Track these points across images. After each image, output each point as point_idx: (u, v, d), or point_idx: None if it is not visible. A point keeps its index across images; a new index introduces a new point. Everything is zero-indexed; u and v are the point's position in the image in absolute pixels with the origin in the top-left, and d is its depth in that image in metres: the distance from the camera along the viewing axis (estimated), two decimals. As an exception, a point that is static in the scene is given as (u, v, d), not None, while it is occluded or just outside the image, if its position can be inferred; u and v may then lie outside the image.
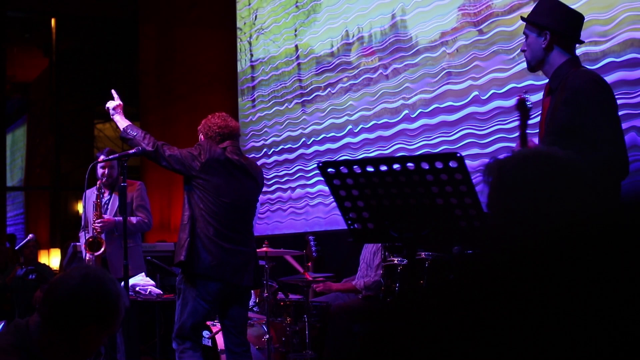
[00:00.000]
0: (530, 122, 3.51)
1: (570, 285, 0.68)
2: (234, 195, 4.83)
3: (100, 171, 6.36)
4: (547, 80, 3.63)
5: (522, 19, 3.69)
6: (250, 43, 9.28)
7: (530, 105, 3.52)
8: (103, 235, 6.11)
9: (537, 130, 3.67)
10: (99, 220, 6.13)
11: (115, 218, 6.13)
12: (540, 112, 3.68)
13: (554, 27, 3.54)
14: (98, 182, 6.36)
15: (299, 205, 8.06)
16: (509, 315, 0.69)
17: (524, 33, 3.64)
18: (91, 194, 6.46)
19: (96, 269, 2.50)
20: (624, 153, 3.33)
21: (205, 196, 4.78)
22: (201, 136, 5.09)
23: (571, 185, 1.59)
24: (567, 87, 3.36)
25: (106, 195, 6.40)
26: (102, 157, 6.08)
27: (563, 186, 1.59)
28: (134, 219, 6.21)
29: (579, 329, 0.66)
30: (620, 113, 4.55)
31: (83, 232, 6.32)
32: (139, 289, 6.06)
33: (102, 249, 6.03)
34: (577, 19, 3.62)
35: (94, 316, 2.33)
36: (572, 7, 4.90)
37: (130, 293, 5.35)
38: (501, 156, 1.73)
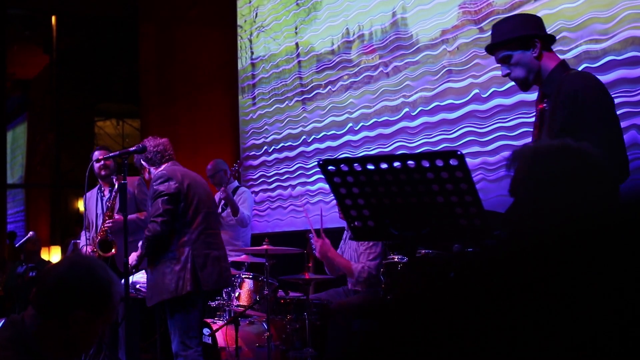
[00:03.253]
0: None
1: (597, 280, 0.67)
2: (205, 202, 5.23)
3: (97, 169, 6.39)
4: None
5: (496, 45, 3.50)
6: (250, 41, 9.28)
7: None
8: (111, 237, 6.17)
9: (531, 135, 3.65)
10: (109, 221, 6.16)
11: (133, 215, 6.16)
12: (534, 114, 3.65)
13: (538, 32, 3.48)
14: (100, 183, 6.41)
15: (299, 203, 8.06)
16: (528, 307, 0.69)
17: (503, 58, 3.47)
18: (91, 195, 6.49)
19: (87, 257, 2.48)
20: (619, 155, 3.28)
21: (194, 212, 5.15)
22: (144, 163, 5.41)
23: (599, 180, 1.60)
24: (563, 90, 3.32)
25: (107, 193, 6.42)
26: (97, 155, 6.16)
27: (591, 180, 1.59)
28: (142, 215, 6.24)
29: (604, 323, 0.66)
30: (620, 111, 4.56)
31: (85, 232, 6.35)
32: (140, 286, 6.06)
33: (112, 251, 6.09)
34: (540, 20, 3.57)
35: (82, 302, 2.30)
36: (572, 5, 4.91)
37: (130, 291, 5.36)
38: (530, 145, 1.74)
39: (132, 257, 5.40)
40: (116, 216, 6.22)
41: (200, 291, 5.05)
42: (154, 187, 5.16)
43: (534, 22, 3.54)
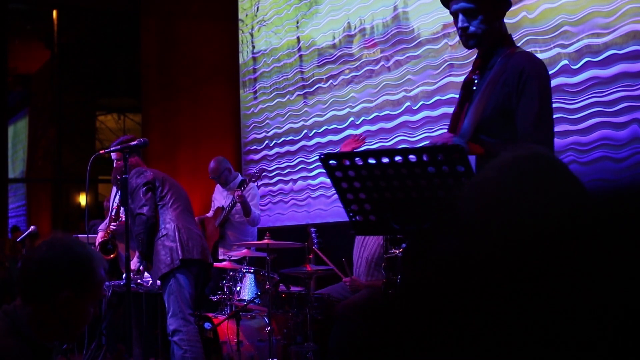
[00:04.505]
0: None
1: (573, 283, 0.67)
2: (181, 192, 5.68)
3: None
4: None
5: None
6: (252, 35, 9.27)
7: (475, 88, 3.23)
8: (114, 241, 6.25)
9: (454, 110, 3.39)
10: (114, 224, 6.20)
11: None
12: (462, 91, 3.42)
13: None
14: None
15: (300, 197, 8.06)
16: (525, 306, 0.69)
17: (467, 10, 3.23)
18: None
19: (64, 237, 2.45)
20: (551, 136, 3.18)
21: (172, 197, 5.55)
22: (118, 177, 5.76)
23: (569, 182, 1.58)
24: (509, 68, 3.16)
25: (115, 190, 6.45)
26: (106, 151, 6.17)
27: (563, 183, 1.58)
28: None
29: (595, 321, 0.66)
30: (621, 105, 4.56)
31: (107, 220, 6.45)
32: (141, 281, 6.07)
33: (112, 255, 6.14)
34: None
35: (65, 281, 2.29)
36: (575, -1, 4.91)
37: (132, 285, 5.39)
38: (495, 162, 1.69)
39: (134, 263, 5.60)
40: (122, 217, 6.25)
41: (191, 260, 5.37)
42: (132, 182, 5.49)
43: None
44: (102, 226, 6.67)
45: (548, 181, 1.60)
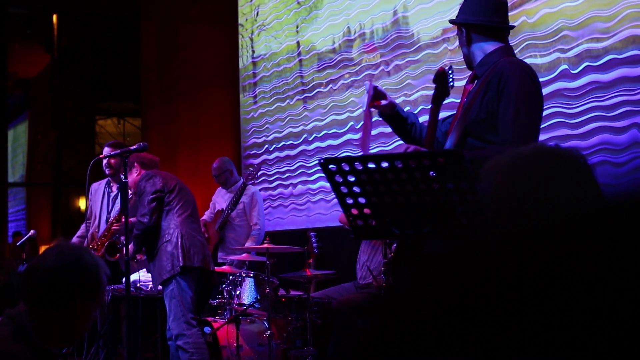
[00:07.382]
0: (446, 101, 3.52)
1: (589, 283, 0.67)
2: (189, 198, 5.71)
3: (103, 166, 6.43)
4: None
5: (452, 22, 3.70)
6: (251, 39, 9.28)
7: (451, 83, 3.50)
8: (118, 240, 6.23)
9: (453, 112, 3.64)
10: (117, 224, 6.20)
11: (133, 219, 6.23)
12: (460, 97, 3.65)
13: (465, 20, 3.53)
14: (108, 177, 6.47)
15: (300, 202, 8.06)
16: (529, 308, 0.68)
17: (459, 35, 3.65)
18: (98, 187, 6.52)
19: (69, 245, 2.49)
20: (528, 139, 3.27)
21: (179, 203, 5.59)
22: (136, 164, 5.83)
23: (579, 178, 1.58)
24: (493, 73, 3.33)
25: (114, 190, 6.43)
26: (104, 152, 6.19)
27: (573, 179, 1.58)
28: None
29: (591, 327, 0.66)
30: (621, 110, 4.56)
31: (85, 223, 6.40)
32: (140, 285, 6.06)
33: (118, 255, 6.11)
34: (493, 6, 3.54)
35: (77, 290, 2.33)
36: (574, 4, 4.91)
37: (131, 289, 5.39)
38: (502, 157, 1.69)
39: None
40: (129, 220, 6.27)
41: (192, 267, 5.43)
42: (141, 184, 5.57)
43: (472, 8, 3.55)
44: (82, 230, 6.58)
45: (570, 178, 1.59)
